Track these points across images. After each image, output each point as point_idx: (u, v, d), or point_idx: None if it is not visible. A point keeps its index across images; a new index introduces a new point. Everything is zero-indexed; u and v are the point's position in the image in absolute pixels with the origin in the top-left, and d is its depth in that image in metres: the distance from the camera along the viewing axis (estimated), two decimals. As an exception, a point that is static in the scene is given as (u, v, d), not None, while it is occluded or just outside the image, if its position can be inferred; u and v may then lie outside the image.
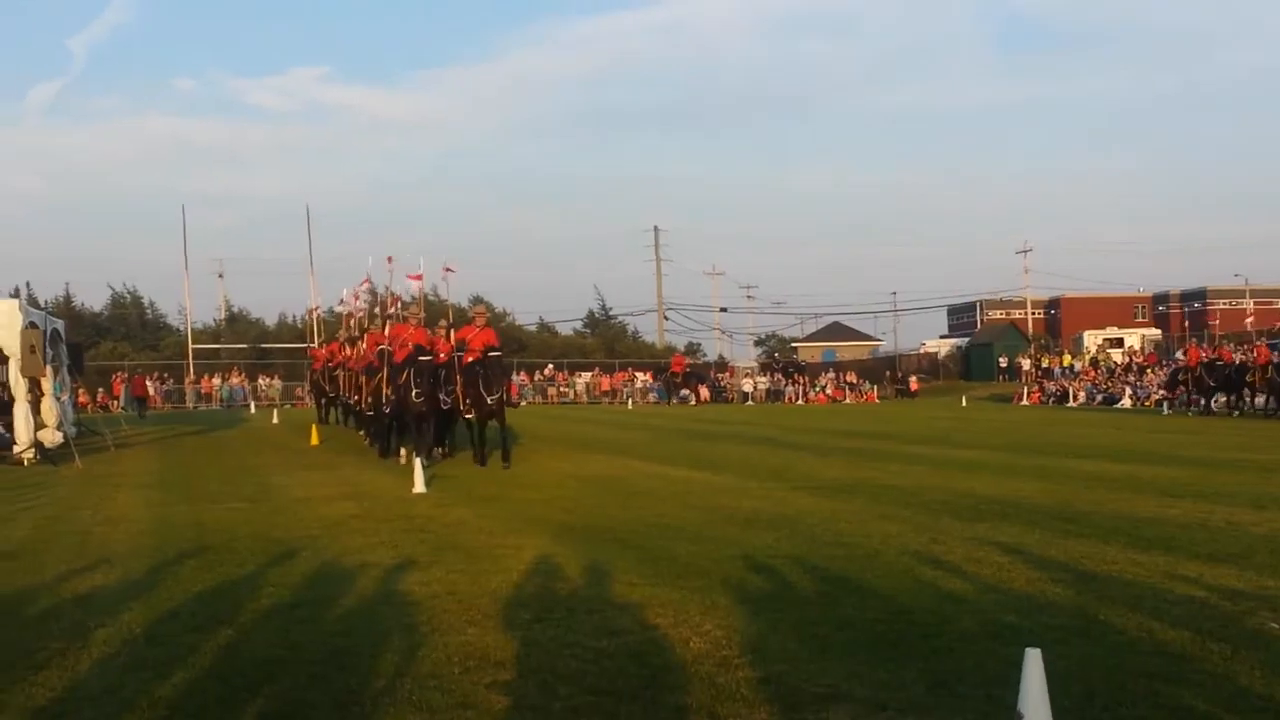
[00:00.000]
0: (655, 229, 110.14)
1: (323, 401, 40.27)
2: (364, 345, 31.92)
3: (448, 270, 27.46)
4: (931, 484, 19.36)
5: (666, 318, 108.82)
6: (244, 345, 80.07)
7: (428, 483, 19.43)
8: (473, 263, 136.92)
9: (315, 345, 45.86)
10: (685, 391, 73.97)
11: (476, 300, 51.96)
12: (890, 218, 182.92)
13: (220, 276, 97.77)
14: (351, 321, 36.12)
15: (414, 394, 23.58)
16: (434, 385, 23.90)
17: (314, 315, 52.85)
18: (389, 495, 18.86)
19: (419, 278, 28.30)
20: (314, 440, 32.09)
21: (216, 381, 71.78)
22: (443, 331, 26.10)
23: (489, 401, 24.03)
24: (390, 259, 31.43)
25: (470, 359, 24.43)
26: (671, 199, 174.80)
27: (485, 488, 19.90)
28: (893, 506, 16.55)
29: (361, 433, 32.26)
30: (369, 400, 28.89)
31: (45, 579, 11.91)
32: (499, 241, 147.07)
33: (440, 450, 25.94)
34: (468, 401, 24.17)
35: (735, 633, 9.20)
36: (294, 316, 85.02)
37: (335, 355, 37.56)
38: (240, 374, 72.93)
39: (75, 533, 15.05)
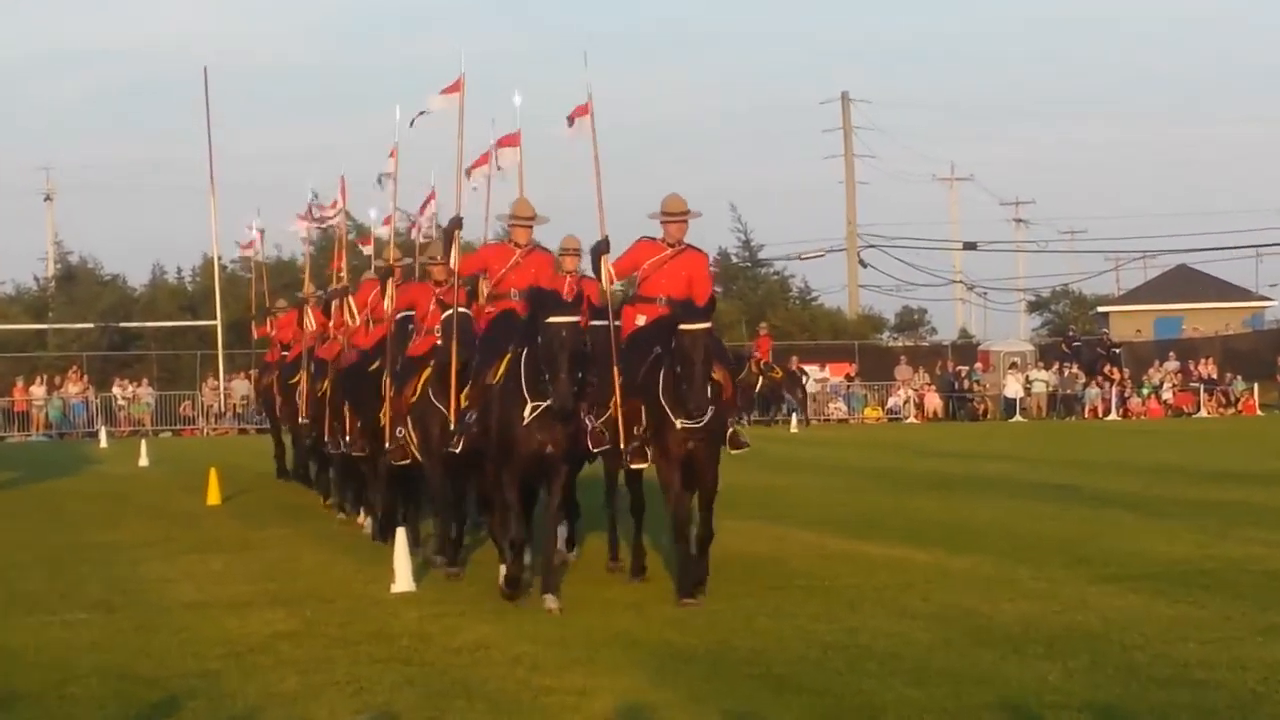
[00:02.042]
0: (844, 98, 61.85)
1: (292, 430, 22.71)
2: (351, 309, 18.11)
3: (579, 116, 13.08)
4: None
5: (863, 262, 61.52)
6: (88, 324, 50.54)
7: (419, 574, 12.49)
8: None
9: (269, 317, 24.41)
10: (786, 397, 44.65)
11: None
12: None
13: (48, 200, 65.33)
14: (339, 275, 19.92)
15: (526, 411, 11.13)
16: (577, 388, 11.21)
17: (254, 259, 29.99)
18: (349, 596, 11.96)
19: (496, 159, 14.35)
20: (212, 497, 20.45)
21: (38, 392, 44.15)
22: (570, 268, 13.75)
23: (691, 440, 11.26)
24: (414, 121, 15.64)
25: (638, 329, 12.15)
26: (865, 56, 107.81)
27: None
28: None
29: (327, 500, 19.72)
30: (355, 430, 16.67)
31: None
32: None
33: (566, 549, 13.73)
34: (643, 432, 11.60)
35: None
36: (183, 270, 56.02)
37: (291, 333, 22.13)
38: (82, 377, 44.71)
39: None
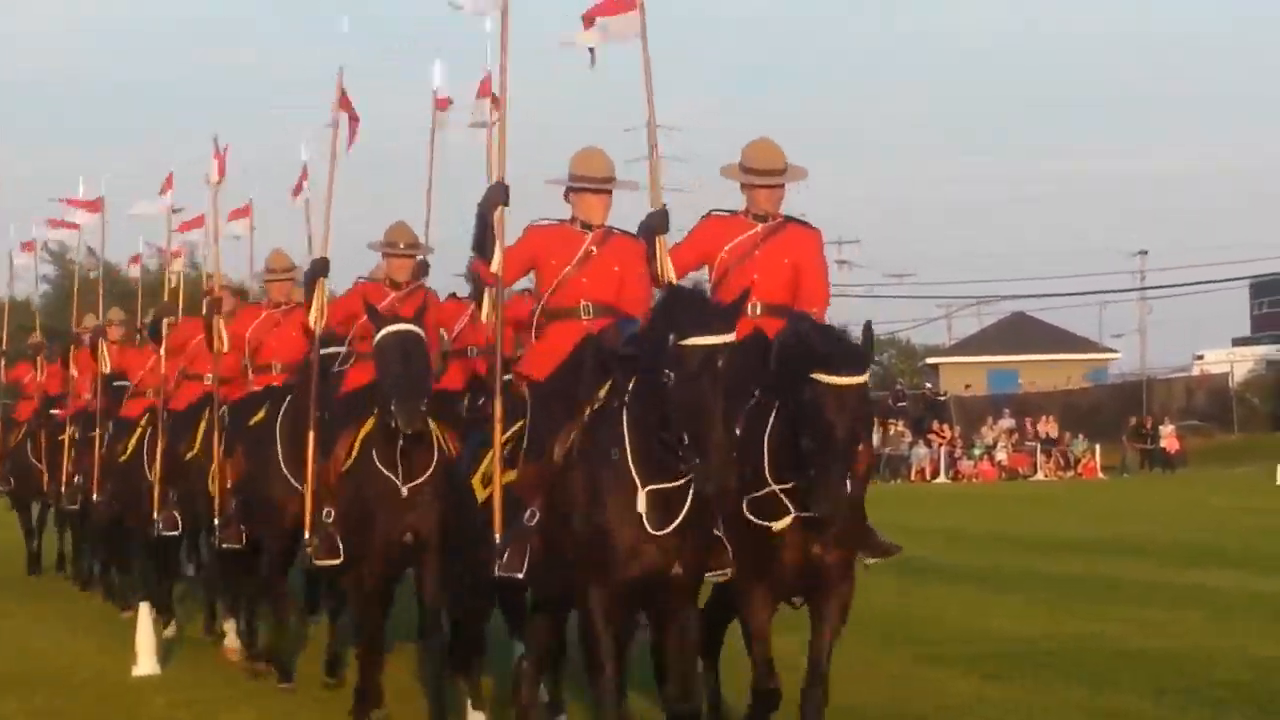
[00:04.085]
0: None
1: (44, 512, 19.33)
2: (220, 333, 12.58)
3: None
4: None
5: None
6: None
7: (166, 651, 11.30)
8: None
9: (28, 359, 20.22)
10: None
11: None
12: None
13: None
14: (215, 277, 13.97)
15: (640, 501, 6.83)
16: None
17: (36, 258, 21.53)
18: (88, 680, 10.89)
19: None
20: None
21: None
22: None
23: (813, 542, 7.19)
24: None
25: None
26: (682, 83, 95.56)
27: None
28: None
29: (126, 609, 14.36)
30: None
31: None
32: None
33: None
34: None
35: None
36: None
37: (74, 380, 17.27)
38: None
39: None
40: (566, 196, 7.80)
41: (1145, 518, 25.47)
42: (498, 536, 7.32)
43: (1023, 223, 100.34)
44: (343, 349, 10.17)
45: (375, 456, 8.86)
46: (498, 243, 7.82)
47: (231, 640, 12.02)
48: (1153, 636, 11.76)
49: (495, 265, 7.81)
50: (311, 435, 9.72)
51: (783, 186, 7.72)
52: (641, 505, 6.57)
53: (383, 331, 8.77)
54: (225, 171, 12.57)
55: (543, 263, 7.76)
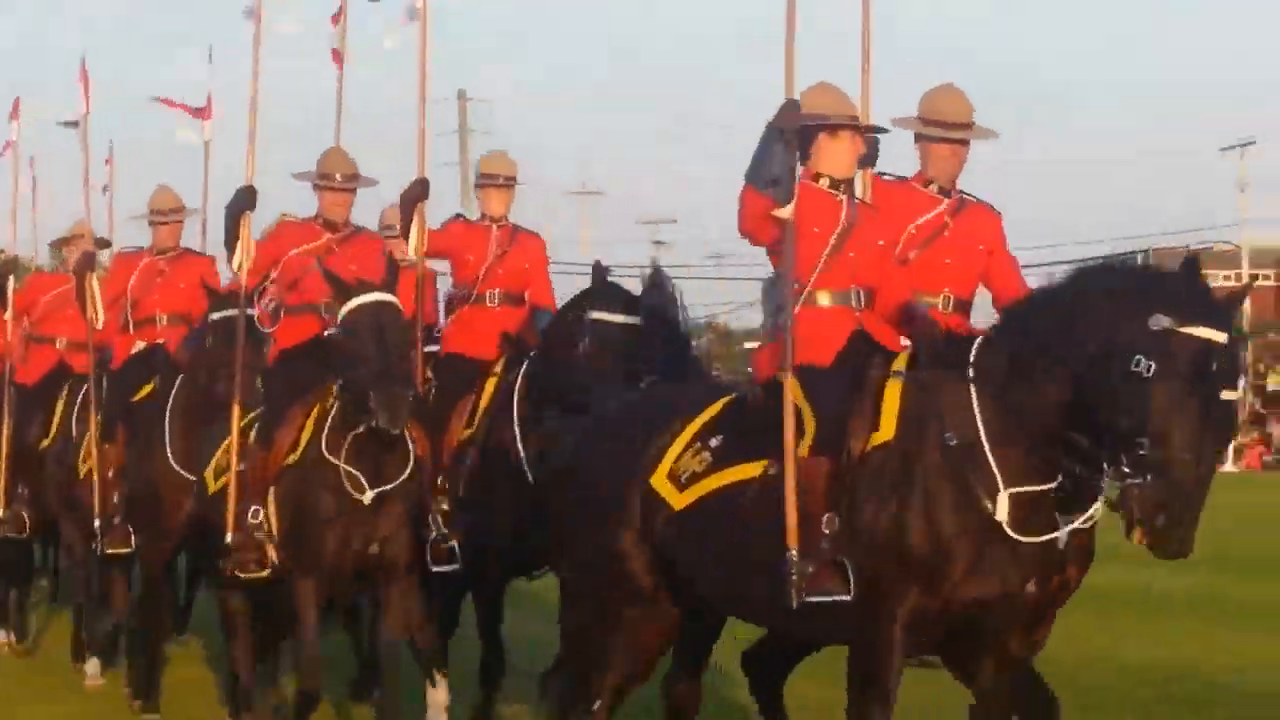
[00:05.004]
0: (461, 96, 49.50)
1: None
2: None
3: None
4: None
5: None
6: None
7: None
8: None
9: None
10: None
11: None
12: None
13: None
14: None
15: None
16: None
17: None
18: None
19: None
20: None
21: None
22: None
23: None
24: None
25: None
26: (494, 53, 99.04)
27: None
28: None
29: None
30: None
31: None
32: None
33: None
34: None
35: None
36: None
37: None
38: None
39: None
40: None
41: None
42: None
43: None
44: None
45: (331, 450, 7.27)
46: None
47: (94, 670, 10.00)
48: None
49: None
50: (236, 410, 7.74)
51: (967, 144, 6.34)
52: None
53: (352, 304, 7.11)
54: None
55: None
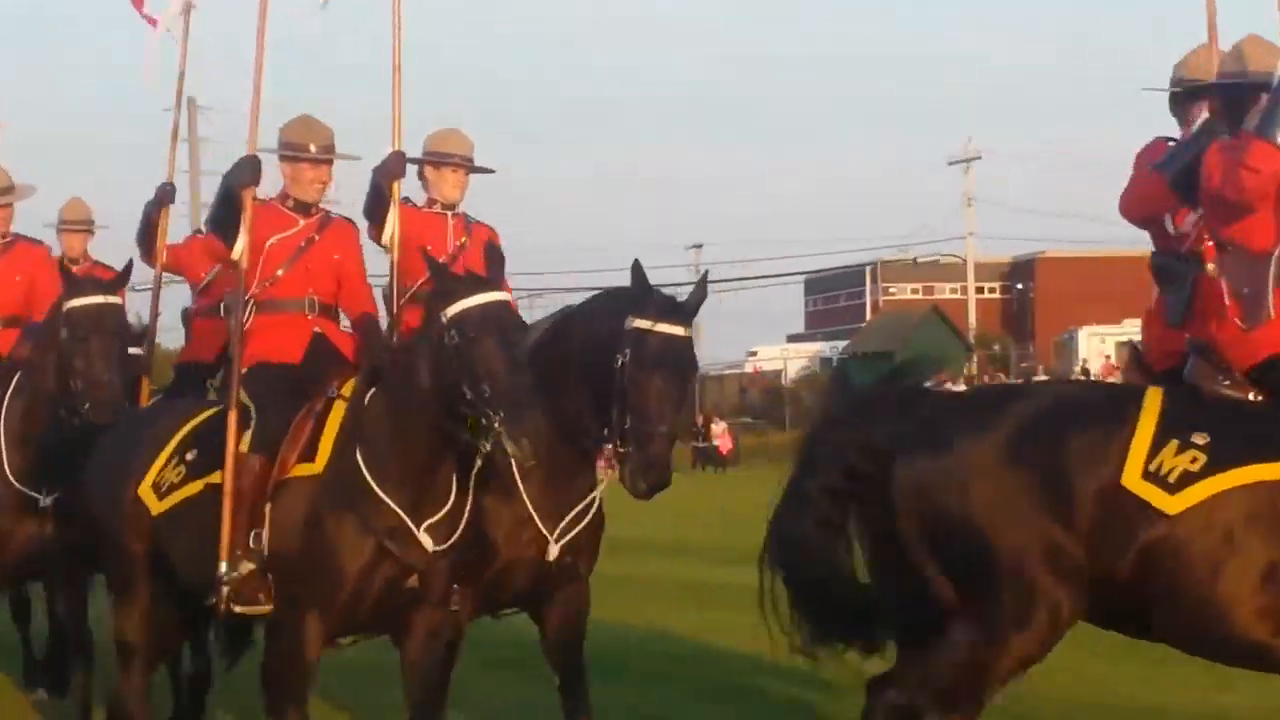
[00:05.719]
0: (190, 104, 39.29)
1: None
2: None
3: None
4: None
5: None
6: None
7: None
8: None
9: None
10: None
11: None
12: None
13: None
14: None
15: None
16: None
17: None
18: None
19: None
20: None
21: None
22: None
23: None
24: None
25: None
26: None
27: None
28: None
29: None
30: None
31: None
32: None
33: None
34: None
35: None
36: None
37: None
38: None
39: None
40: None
41: (692, 518, 21.98)
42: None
43: (571, 220, 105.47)
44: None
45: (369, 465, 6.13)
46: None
47: None
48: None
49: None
50: (233, 418, 6.45)
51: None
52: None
53: (468, 302, 5.93)
54: None
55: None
